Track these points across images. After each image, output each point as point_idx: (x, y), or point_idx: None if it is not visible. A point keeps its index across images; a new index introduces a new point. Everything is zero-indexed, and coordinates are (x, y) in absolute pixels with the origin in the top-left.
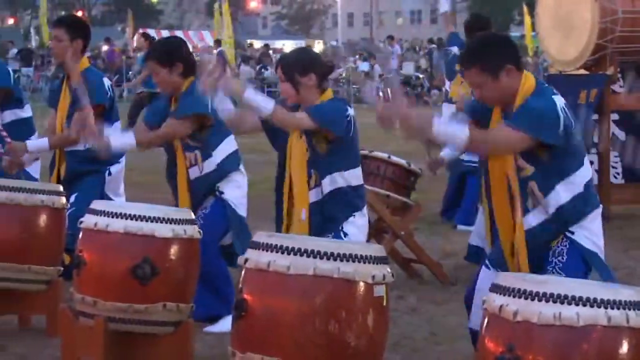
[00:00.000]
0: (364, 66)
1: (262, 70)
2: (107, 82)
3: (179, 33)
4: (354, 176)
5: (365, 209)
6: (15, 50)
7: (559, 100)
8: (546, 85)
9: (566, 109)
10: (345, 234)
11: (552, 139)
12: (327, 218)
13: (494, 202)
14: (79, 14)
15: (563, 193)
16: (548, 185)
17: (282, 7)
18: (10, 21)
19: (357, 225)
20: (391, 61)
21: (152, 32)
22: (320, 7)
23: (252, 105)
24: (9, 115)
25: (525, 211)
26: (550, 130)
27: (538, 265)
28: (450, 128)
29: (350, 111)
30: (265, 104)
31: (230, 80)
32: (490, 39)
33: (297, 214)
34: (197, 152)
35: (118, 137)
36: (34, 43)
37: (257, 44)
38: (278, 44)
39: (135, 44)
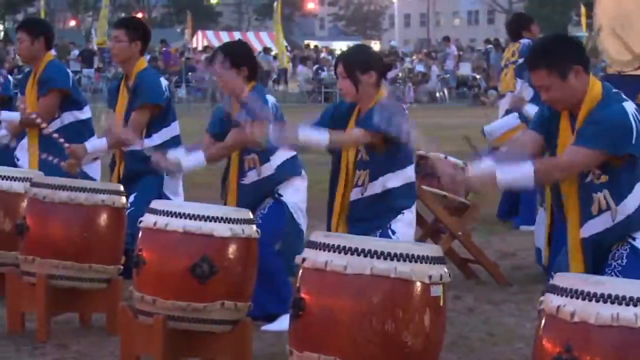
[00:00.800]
0: (420, 67)
1: (319, 71)
2: (164, 82)
3: (237, 34)
4: (406, 174)
5: (414, 206)
6: (77, 52)
7: (629, 107)
8: (614, 90)
9: (637, 114)
10: (394, 232)
11: (627, 149)
12: (375, 216)
13: (567, 208)
14: (139, 15)
15: (631, 202)
16: (620, 194)
17: (339, 8)
18: (72, 22)
19: (405, 222)
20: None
21: (210, 33)
22: (377, 8)
23: (310, 145)
24: (68, 117)
25: (589, 217)
26: (624, 142)
27: (597, 268)
28: (514, 173)
29: (405, 107)
30: (321, 138)
31: (282, 130)
32: (557, 39)
33: (339, 213)
34: (254, 155)
35: (189, 159)
36: (95, 44)
37: (314, 45)
38: (335, 45)
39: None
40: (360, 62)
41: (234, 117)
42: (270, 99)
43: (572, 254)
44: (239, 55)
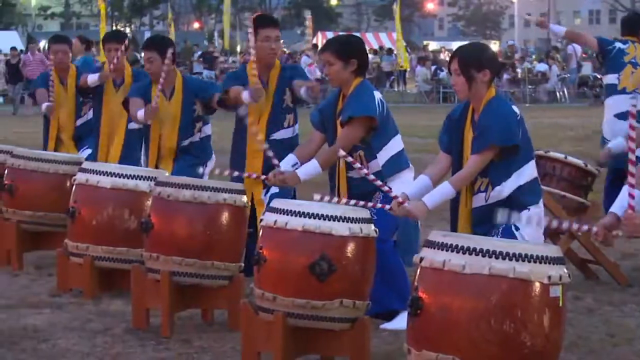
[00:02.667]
0: (540, 67)
1: (438, 71)
2: None
3: (356, 35)
4: (526, 172)
5: (541, 202)
6: (199, 53)
7: None
8: None
9: None
10: (517, 228)
11: None
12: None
13: None
14: None
15: None
16: None
17: (459, 9)
18: (196, 25)
19: (530, 218)
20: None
21: (330, 34)
22: (496, 8)
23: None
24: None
25: None
26: None
27: None
28: None
29: (516, 109)
30: (446, 191)
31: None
32: None
33: (462, 218)
34: (360, 152)
35: (305, 170)
36: (217, 46)
37: (433, 45)
38: (454, 45)
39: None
40: (475, 60)
41: (338, 113)
42: (377, 95)
43: None
44: (348, 48)
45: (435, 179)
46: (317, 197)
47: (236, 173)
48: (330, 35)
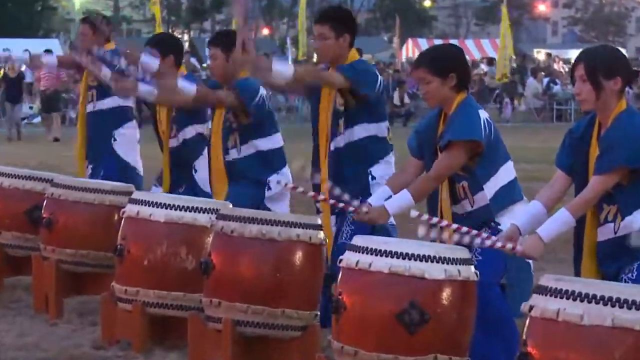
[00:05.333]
0: None
1: (551, 84)
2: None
3: (453, 42)
4: None
5: None
6: None
7: None
8: None
9: None
10: None
11: None
12: (629, 250)
13: None
14: None
15: None
16: None
17: (576, 11)
18: (265, 31)
19: None
20: None
21: (423, 41)
22: (621, 10)
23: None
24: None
25: None
26: None
27: None
28: None
29: None
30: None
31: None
32: None
33: (587, 255)
34: (464, 183)
35: (394, 202)
36: (289, 55)
37: (545, 54)
38: (570, 53)
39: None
40: (605, 65)
41: (439, 136)
42: (483, 114)
43: None
44: (444, 61)
45: (549, 204)
46: (414, 213)
47: (320, 196)
48: (422, 42)
